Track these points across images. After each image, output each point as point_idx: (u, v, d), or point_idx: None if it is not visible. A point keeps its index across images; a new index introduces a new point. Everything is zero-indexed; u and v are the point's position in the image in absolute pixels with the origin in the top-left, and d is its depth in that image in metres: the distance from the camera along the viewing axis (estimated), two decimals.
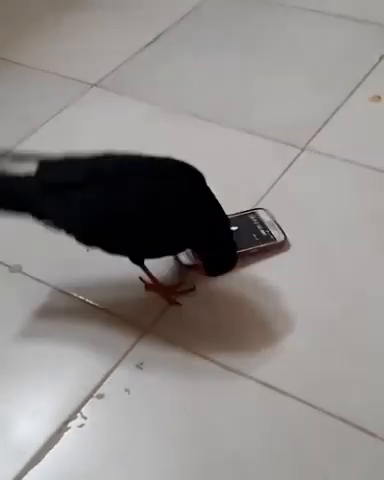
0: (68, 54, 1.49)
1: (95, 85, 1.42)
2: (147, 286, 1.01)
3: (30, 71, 1.46)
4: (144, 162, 0.90)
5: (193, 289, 1.01)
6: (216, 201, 0.90)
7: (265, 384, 0.90)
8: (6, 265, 1.08)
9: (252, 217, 1.10)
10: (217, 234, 0.91)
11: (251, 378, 0.91)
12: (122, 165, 0.89)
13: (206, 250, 0.93)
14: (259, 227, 1.08)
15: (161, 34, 1.53)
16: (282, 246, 1.06)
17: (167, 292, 1.00)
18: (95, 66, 1.46)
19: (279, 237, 1.06)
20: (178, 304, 0.99)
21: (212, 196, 0.90)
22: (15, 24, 1.60)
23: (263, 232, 1.07)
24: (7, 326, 1.00)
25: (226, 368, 0.92)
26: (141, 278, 1.00)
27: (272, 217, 1.09)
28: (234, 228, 1.01)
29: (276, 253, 1.06)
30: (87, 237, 0.90)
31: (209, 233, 0.90)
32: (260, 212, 1.10)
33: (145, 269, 0.97)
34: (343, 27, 1.52)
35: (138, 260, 0.95)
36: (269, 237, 1.06)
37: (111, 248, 0.91)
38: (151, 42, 1.51)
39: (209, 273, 0.97)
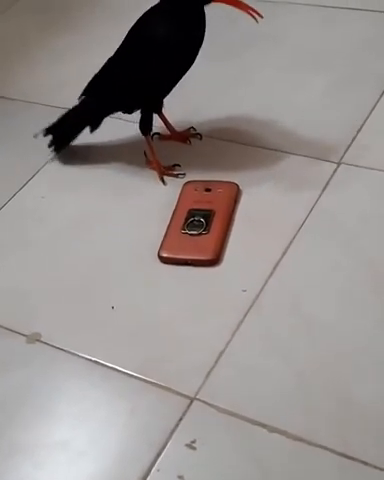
0: (62, 83, 1.36)
1: None
2: (148, 162, 1.13)
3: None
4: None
5: (183, 175, 1.11)
6: None
7: (343, 454, 0.76)
8: (22, 334, 0.94)
9: None
10: None
11: (326, 448, 0.77)
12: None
13: None
14: None
15: None
16: None
17: (162, 171, 1.12)
18: None
19: None
20: (164, 182, 1.11)
21: None
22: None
23: None
24: (26, 409, 0.87)
25: (293, 437, 0.78)
26: (145, 153, 1.13)
27: None
28: None
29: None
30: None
31: None
32: None
33: (150, 143, 1.11)
34: (358, 19, 1.37)
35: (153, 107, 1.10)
36: None
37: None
38: None
39: None
